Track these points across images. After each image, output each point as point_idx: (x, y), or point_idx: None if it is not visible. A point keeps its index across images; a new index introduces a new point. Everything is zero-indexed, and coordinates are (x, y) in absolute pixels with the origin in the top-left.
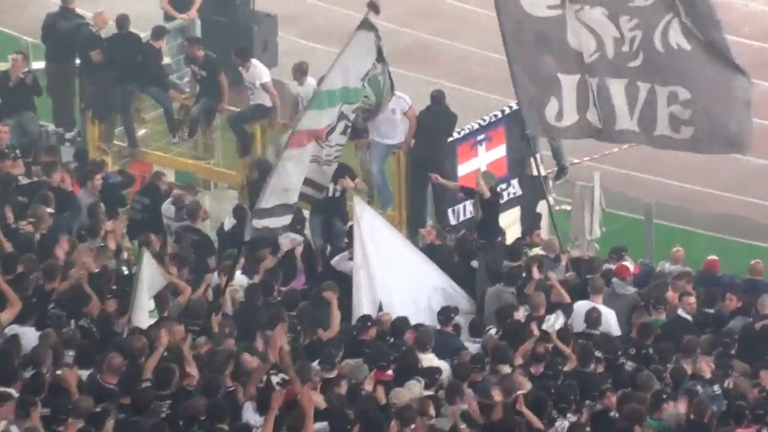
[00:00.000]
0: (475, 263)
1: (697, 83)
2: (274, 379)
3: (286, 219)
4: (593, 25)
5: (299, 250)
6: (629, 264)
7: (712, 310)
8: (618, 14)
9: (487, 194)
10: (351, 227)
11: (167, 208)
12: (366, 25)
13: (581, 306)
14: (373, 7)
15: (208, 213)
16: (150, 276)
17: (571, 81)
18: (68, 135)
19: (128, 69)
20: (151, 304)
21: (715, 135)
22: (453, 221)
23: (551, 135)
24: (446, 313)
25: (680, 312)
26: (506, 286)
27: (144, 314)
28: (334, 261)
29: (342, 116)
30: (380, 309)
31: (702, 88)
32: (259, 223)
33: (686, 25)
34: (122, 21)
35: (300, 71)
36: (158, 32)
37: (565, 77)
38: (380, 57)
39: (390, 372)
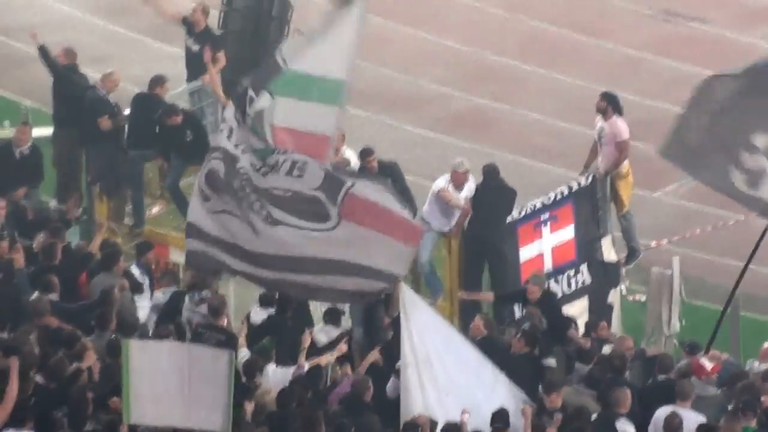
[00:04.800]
0: (551, 361)
1: None
2: None
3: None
4: None
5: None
6: (706, 362)
7: None
8: None
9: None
10: (398, 318)
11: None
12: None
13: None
14: None
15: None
16: (139, 366)
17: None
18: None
19: (148, 134)
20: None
21: None
22: (518, 314)
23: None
24: (501, 419)
25: None
26: (587, 388)
27: (146, 406)
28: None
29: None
30: None
31: None
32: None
33: None
34: (153, 81)
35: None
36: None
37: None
38: None
39: None
